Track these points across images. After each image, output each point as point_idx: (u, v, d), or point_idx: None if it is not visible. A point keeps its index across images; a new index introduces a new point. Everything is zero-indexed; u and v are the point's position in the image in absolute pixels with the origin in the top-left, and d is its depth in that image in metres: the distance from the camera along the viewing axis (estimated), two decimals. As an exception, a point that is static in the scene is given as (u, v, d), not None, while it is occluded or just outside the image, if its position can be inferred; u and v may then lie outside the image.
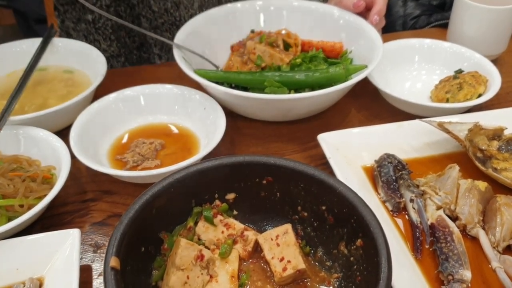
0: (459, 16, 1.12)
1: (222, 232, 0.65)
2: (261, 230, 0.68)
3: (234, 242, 0.64)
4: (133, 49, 1.23)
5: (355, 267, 0.61)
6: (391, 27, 1.49)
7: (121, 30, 1.18)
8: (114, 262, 0.52)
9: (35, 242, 0.68)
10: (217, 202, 0.67)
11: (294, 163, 0.65)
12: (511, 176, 0.78)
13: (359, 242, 0.60)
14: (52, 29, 1.08)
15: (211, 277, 0.60)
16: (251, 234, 0.65)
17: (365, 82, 0.96)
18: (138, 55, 1.25)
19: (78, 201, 0.81)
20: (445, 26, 1.25)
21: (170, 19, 1.10)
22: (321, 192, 0.64)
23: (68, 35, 1.19)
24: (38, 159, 0.83)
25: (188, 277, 0.57)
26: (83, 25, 1.16)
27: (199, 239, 0.65)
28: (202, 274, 0.59)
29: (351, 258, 0.62)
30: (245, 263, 0.64)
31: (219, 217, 0.66)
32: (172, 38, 1.17)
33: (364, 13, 1.05)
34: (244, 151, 0.92)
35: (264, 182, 0.67)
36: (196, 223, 0.66)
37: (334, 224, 0.64)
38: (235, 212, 0.69)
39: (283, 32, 1.07)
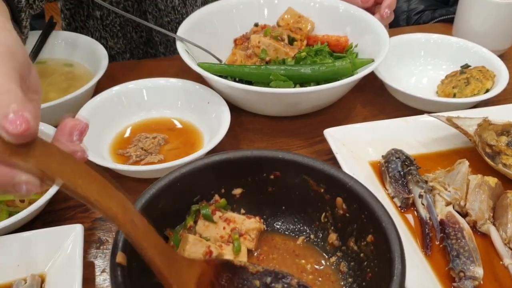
0: (465, 10, 1.11)
1: (224, 228, 0.64)
2: (268, 226, 0.67)
3: (240, 235, 0.63)
4: (140, 44, 1.21)
5: (365, 263, 0.60)
6: (395, 23, 1.47)
7: (128, 25, 1.16)
8: (120, 258, 0.50)
9: (37, 238, 0.66)
10: (216, 197, 0.66)
11: (302, 157, 0.64)
12: (521, 172, 0.77)
13: (370, 238, 0.59)
14: (52, 21, 1.06)
15: (219, 273, 0.58)
16: (253, 222, 0.64)
17: (371, 76, 0.94)
18: (145, 50, 1.23)
19: (79, 196, 0.79)
20: (449, 21, 1.24)
21: (177, 17, 1.09)
22: (330, 187, 0.63)
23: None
24: (39, 153, 0.81)
25: (196, 274, 0.56)
26: (91, 21, 1.14)
27: (201, 237, 0.64)
28: (211, 270, 0.57)
29: (361, 255, 0.61)
30: (255, 254, 0.63)
31: (218, 213, 0.64)
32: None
33: (372, 8, 1.04)
34: (248, 146, 0.90)
35: (272, 177, 0.65)
36: (195, 222, 0.64)
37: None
38: (242, 211, 0.67)
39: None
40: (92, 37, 1.15)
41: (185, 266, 0.50)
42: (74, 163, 0.43)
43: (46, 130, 0.81)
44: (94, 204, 0.42)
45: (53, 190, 0.71)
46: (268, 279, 0.55)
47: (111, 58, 0.97)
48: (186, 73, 0.95)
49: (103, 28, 1.14)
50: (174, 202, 0.62)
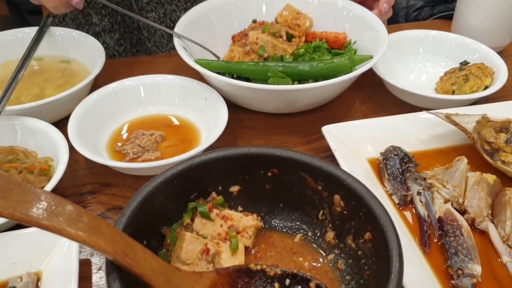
0: (465, 7, 1.10)
1: (221, 225, 0.63)
2: (266, 224, 0.67)
3: (237, 232, 0.63)
4: (133, 29, 1.20)
5: (363, 261, 0.60)
6: (393, 19, 1.46)
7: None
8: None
9: (33, 236, 0.65)
10: (214, 194, 0.65)
11: (300, 154, 0.63)
12: (520, 169, 0.77)
13: (367, 235, 0.58)
14: (49, 18, 1.05)
15: (217, 271, 0.58)
16: (250, 220, 0.64)
17: (369, 73, 0.94)
18: (138, 37, 1.23)
19: (76, 193, 0.79)
20: (448, 17, 1.23)
21: None
22: (328, 184, 0.62)
23: (63, 14, 1.17)
24: (35, 151, 0.80)
25: (193, 272, 0.56)
26: None
27: (198, 235, 0.63)
28: (208, 268, 0.57)
29: (359, 252, 0.60)
30: (253, 251, 0.63)
31: (215, 210, 0.64)
32: (157, 17, 1.14)
33: (370, 2, 1.03)
34: (246, 143, 0.90)
35: (269, 174, 0.65)
36: (192, 219, 0.64)
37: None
38: (240, 208, 0.67)
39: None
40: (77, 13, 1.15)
41: (188, 281, 0.50)
42: (54, 206, 0.43)
43: (42, 127, 0.81)
44: (82, 243, 0.43)
45: (48, 188, 0.70)
46: (287, 281, 0.55)
47: (96, 35, 0.95)
48: (183, 69, 0.95)
49: (87, 4, 1.14)
50: (171, 200, 0.62)
